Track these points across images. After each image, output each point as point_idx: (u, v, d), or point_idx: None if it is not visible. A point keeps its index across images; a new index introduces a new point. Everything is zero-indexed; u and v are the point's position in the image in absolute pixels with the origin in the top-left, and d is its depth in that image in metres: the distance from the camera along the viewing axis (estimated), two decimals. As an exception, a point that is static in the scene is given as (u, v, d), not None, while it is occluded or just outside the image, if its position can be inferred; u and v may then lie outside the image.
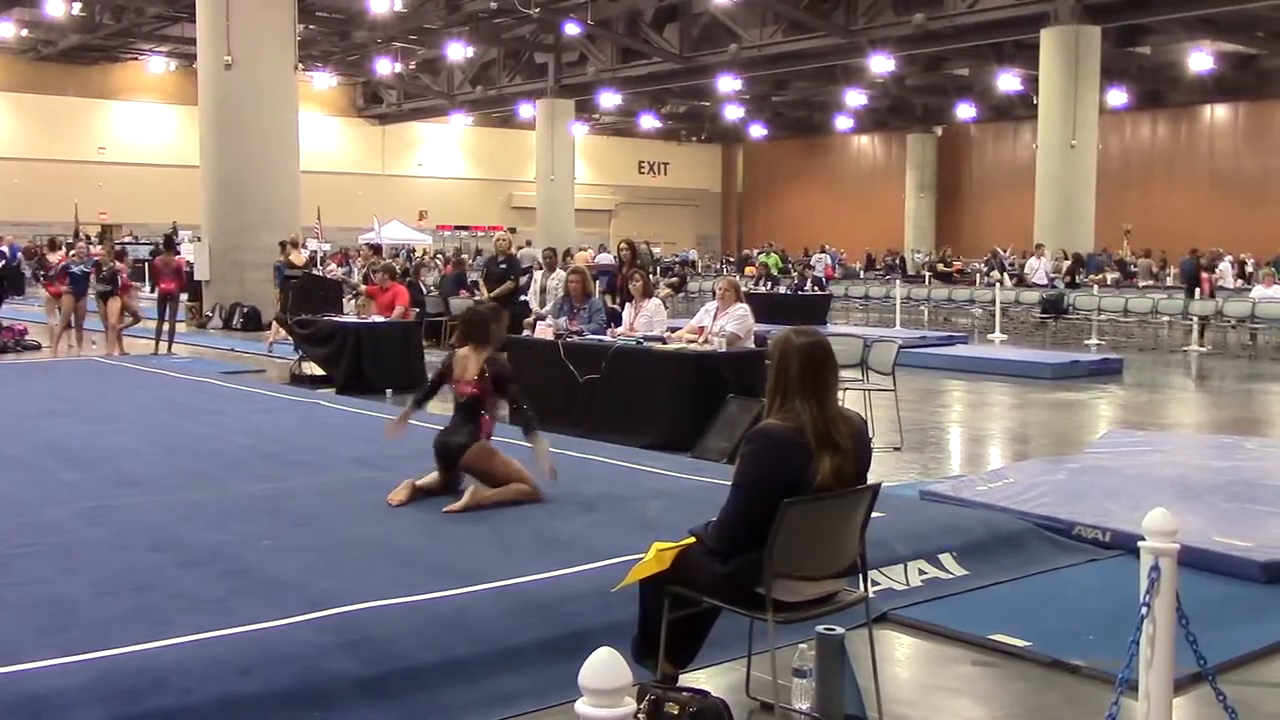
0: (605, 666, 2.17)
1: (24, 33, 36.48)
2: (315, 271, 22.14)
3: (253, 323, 20.93)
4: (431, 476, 6.93)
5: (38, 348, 17.44)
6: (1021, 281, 26.27)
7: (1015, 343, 20.58)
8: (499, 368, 7.01)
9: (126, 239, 36.25)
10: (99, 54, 40.77)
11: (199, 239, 23.56)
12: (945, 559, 5.89)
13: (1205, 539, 6.07)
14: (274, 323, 18.11)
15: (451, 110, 44.77)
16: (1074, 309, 22.17)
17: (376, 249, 18.81)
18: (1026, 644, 4.85)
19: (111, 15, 34.46)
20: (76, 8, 32.84)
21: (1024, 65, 30.73)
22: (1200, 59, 31.38)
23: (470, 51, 37.23)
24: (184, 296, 20.04)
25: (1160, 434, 10.78)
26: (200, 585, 5.15)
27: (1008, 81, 32.72)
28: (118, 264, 17.39)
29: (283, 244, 18.40)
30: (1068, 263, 25.21)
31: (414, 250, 37.89)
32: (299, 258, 18.13)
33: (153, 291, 18.37)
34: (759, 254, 34.39)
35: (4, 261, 16.99)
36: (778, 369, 3.87)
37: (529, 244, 33.72)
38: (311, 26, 34.06)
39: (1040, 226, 27.10)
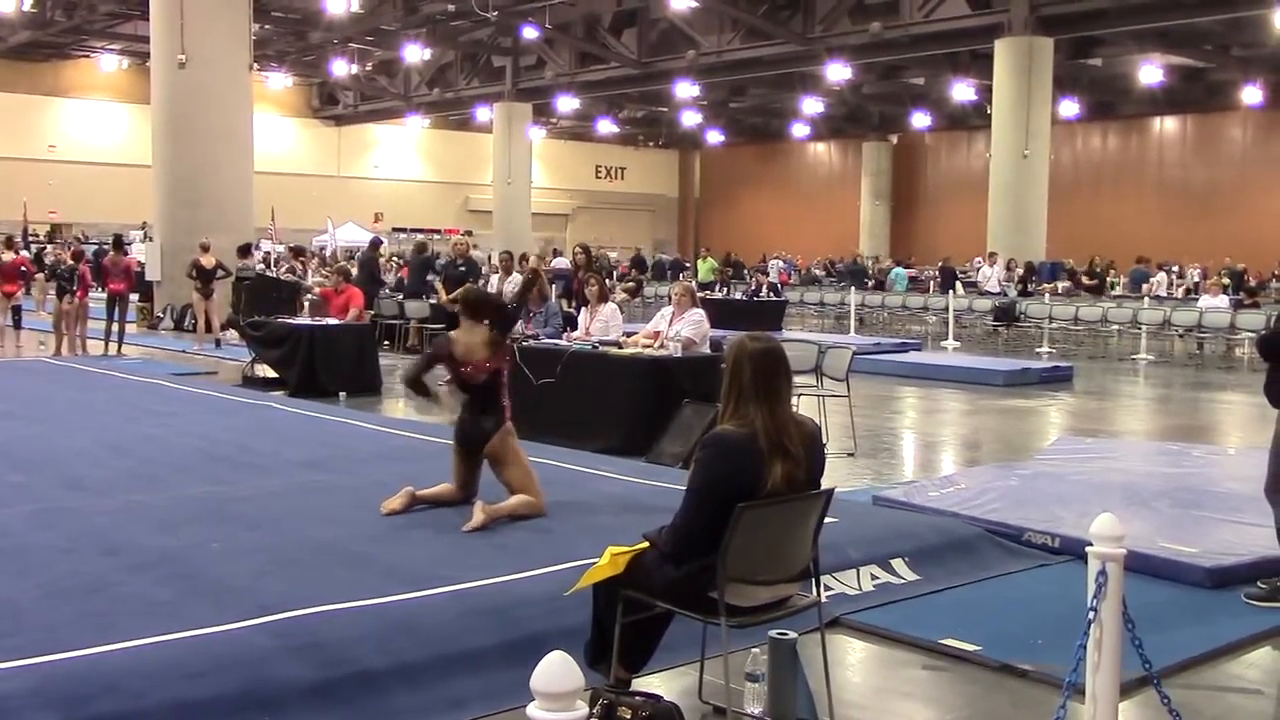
0: (557, 670, 2.17)
1: (-28, 29, 35.94)
2: (269, 273, 22.02)
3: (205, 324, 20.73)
4: (439, 488, 6.70)
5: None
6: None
7: (968, 350, 20.77)
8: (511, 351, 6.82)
9: (75, 238, 35.77)
10: (50, 51, 40.20)
11: (150, 238, 23.30)
12: (897, 564, 5.93)
13: (1152, 544, 6.16)
14: (207, 322, 18.05)
15: (408, 112, 44.53)
16: (1026, 317, 22.41)
17: (297, 251, 18.75)
18: (976, 648, 4.90)
19: (63, 12, 34.00)
20: (28, 3, 32.40)
21: (979, 75, 31.01)
22: (1150, 71, 31.81)
23: (427, 54, 37.04)
24: (134, 297, 19.81)
25: (1109, 441, 10.92)
26: (149, 589, 5.10)
27: (963, 91, 33.00)
28: (77, 263, 17.21)
29: (203, 245, 18.40)
30: (1020, 270, 25.51)
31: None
32: (209, 261, 18.10)
33: (102, 291, 18.15)
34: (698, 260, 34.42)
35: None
36: (731, 374, 3.89)
37: (475, 247, 33.57)
38: (267, 26, 33.77)
39: (993, 235, 27.37)
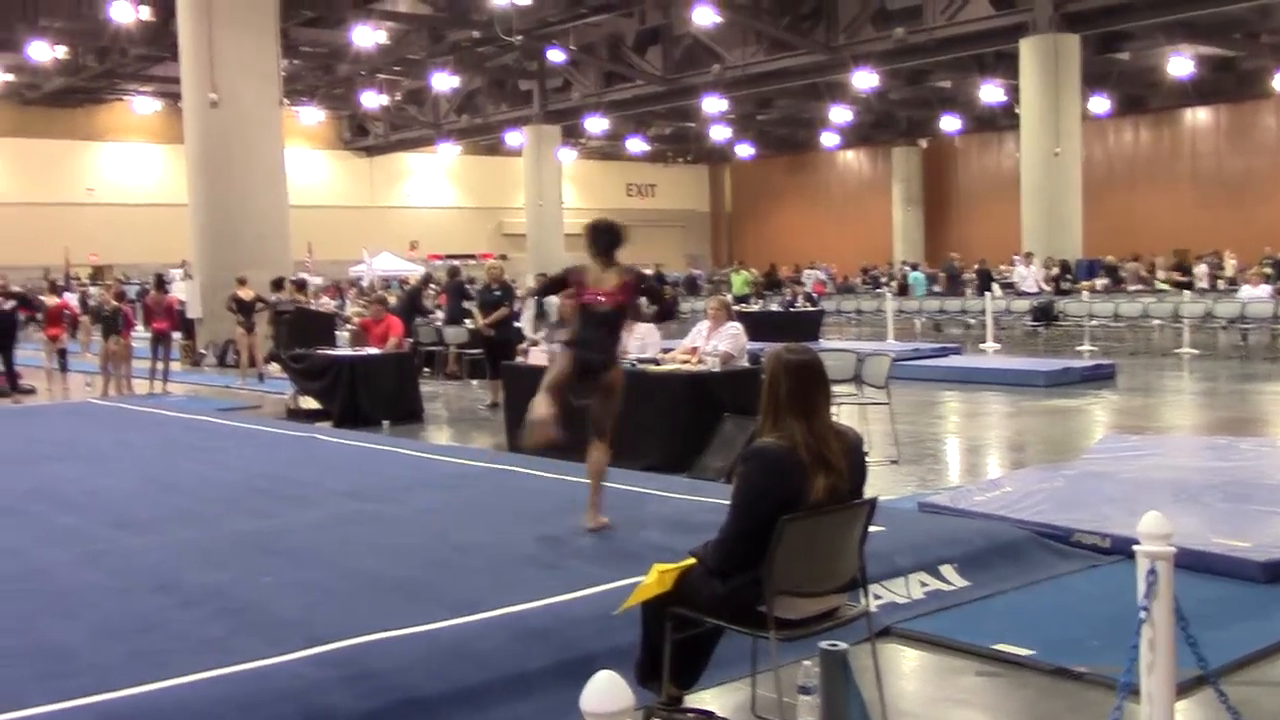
0: (606, 689, 2.17)
1: (9, 78, 36.53)
2: (311, 305, 22.19)
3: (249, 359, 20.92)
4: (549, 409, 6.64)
5: (33, 391, 17.42)
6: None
7: (1008, 352, 20.61)
8: (642, 275, 6.89)
9: (117, 279, 36.24)
10: (84, 96, 40.84)
11: (189, 276, 23.56)
12: (946, 570, 5.89)
13: (1204, 540, 6.08)
14: (250, 356, 18.20)
15: (438, 140, 44.84)
16: (1065, 316, 22.23)
17: (299, 284, 19.18)
18: (1030, 653, 4.85)
19: (95, 57, 34.53)
20: (60, 51, 32.92)
21: (1006, 75, 30.87)
22: (1179, 63, 31.52)
23: (455, 81, 37.35)
24: (177, 335, 20.03)
25: (1156, 437, 10.80)
26: (200, 625, 5.14)
27: (990, 92, 32.83)
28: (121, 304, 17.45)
29: (240, 279, 18.57)
30: (1055, 270, 25.33)
31: (407, 281, 37.93)
32: (248, 294, 18.26)
33: (146, 331, 18.37)
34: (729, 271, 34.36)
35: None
36: (769, 388, 3.89)
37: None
38: (296, 61, 34.14)
39: (1028, 235, 27.19)
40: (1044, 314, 22.31)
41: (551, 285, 7.06)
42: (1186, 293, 23.10)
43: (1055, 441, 11.07)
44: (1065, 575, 6.07)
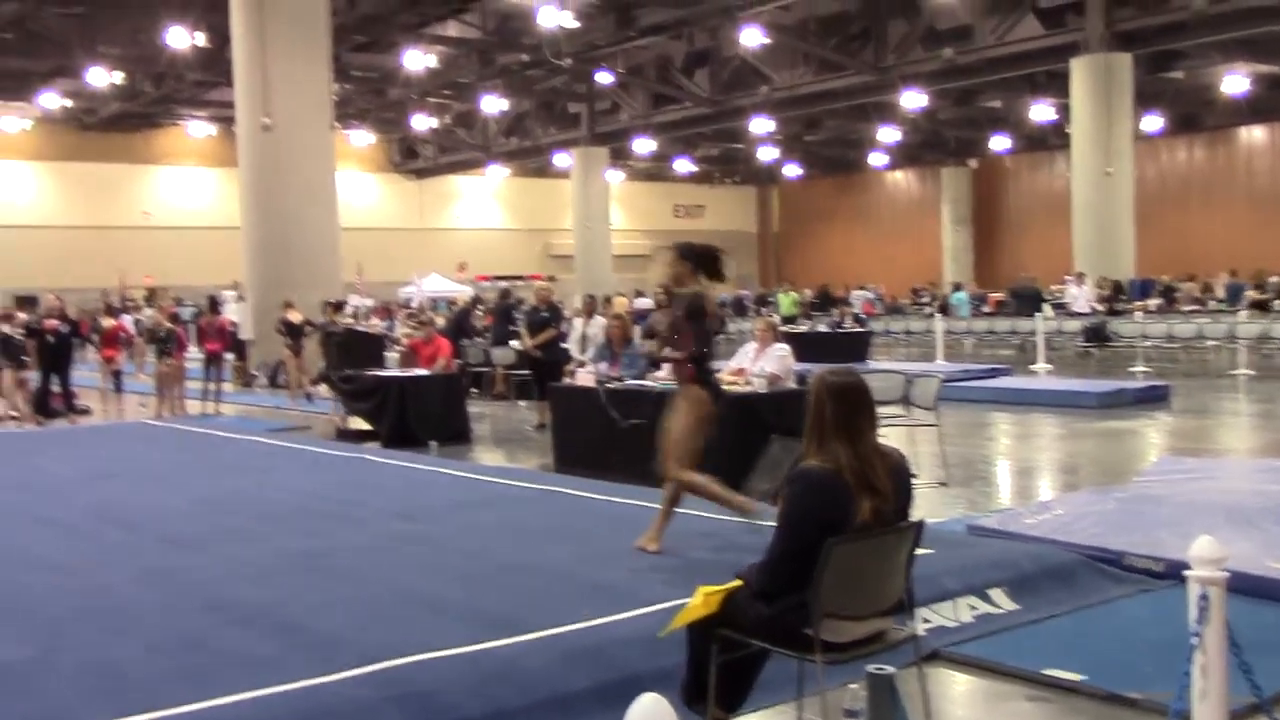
0: (649, 711, 2.17)
1: (67, 103, 37.21)
2: (360, 327, 22.40)
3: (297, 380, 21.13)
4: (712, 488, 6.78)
5: (88, 412, 17.68)
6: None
7: (1060, 373, 20.39)
8: None
9: (175, 299, 36.73)
10: (141, 121, 41.52)
11: (242, 298, 23.85)
12: (995, 594, 5.83)
13: (1259, 565, 5.98)
14: (297, 376, 18.44)
15: (487, 162, 45.17)
16: (1117, 336, 21.96)
17: (337, 306, 19.61)
18: (1080, 678, 4.79)
19: (152, 83, 35.12)
20: (118, 77, 33.53)
21: (1057, 94, 30.66)
22: (1234, 81, 31.16)
23: (504, 104, 37.62)
24: (229, 356, 20.26)
25: (1211, 460, 10.65)
26: (250, 643, 5.19)
27: (1041, 112, 32.63)
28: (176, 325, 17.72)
29: (287, 303, 18.84)
30: (1107, 290, 25.06)
31: (454, 302, 38.15)
32: (296, 316, 18.48)
33: (200, 352, 18.64)
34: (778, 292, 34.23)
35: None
36: (814, 411, 3.88)
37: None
38: (347, 85, 34.55)
39: (1080, 255, 26.94)
40: (1096, 334, 22.07)
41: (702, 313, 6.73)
42: (1243, 313, 22.75)
43: (1107, 464, 10.93)
44: (1117, 599, 6.00)
